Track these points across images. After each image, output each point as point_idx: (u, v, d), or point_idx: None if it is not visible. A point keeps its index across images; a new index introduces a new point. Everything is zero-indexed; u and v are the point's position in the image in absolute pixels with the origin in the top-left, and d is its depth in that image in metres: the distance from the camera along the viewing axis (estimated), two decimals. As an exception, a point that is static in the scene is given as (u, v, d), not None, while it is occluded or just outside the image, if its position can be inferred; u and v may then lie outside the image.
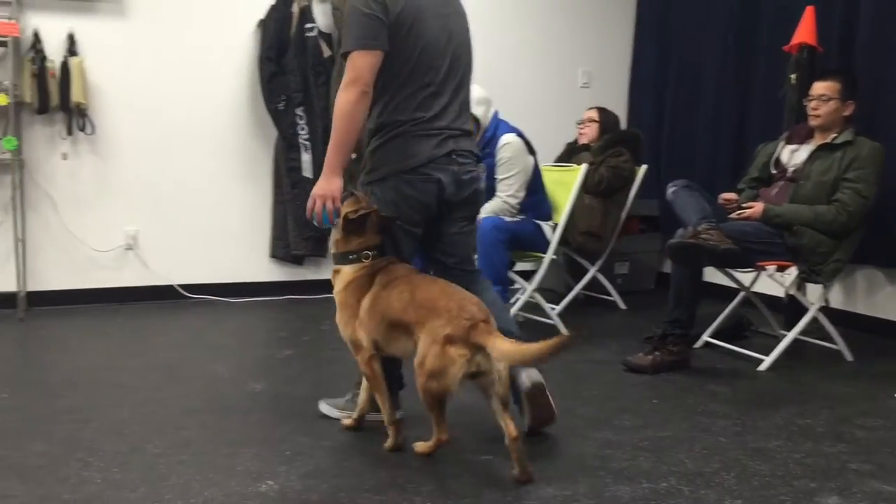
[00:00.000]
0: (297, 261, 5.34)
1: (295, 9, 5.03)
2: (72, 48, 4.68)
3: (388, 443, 2.66)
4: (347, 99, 2.52)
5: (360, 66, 2.52)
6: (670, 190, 3.85)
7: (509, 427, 2.38)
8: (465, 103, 2.77)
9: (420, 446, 2.60)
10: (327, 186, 2.59)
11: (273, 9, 5.03)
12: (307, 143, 5.12)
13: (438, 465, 2.54)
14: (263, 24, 5.04)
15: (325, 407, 3.01)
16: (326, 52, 5.10)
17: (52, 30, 4.66)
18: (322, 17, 5.17)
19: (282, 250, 5.29)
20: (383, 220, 2.66)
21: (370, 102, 2.57)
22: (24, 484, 2.35)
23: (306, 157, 5.12)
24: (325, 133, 5.10)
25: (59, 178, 4.80)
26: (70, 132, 4.75)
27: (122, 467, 2.48)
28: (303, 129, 5.10)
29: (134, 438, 2.74)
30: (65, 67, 4.64)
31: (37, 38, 4.60)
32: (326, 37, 5.14)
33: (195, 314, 4.85)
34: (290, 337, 4.37)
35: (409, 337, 2.47)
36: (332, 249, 2.75)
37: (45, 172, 4.77)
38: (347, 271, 2.66)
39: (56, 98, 4.64)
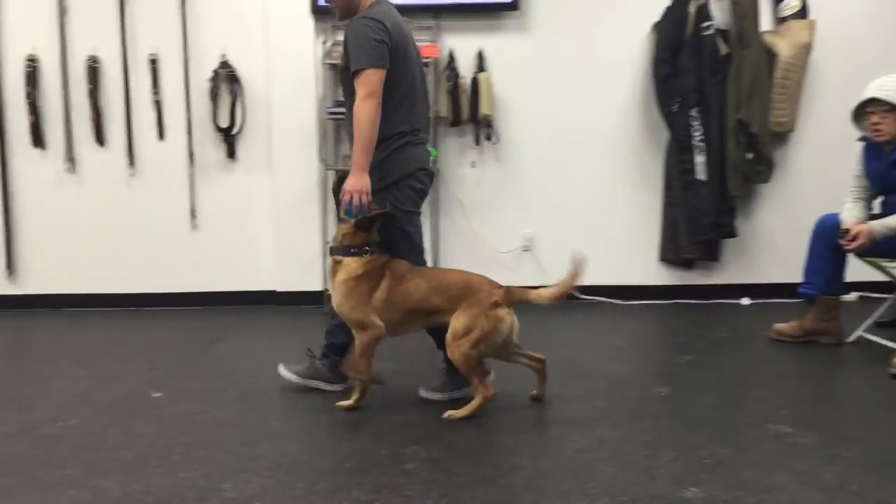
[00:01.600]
0: (686, 265, 5.24)
1: (691, 8, 4.93)
2: (480, 64, 5.08)
3: (350, 402, 3.10)
4: (370, 110, 2.98)
5: (373, 82, 2.99)
6: None
7: (533, 356, 3.18)
8: (428, 117, 3.37)
9: (457, 413, 2.97)
10: (359, 183, 3.01)
11: (668, 10, 4.98)
12: (701, 144, 4.98)
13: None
14: (658, 26, 5.02)
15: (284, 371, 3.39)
16: (724, 50, 4.93)
17: (464, 49, 5.10)
18: (720, 13, 5.01)
19: (671, 254, 5.23)
20: (386, 220, 3.08)
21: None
22: (463, 465, 2.57)
23: (700, 159, 4.99)
24: (721, 134, 4.99)
25: (468, 184, 5.24)
26: (478, 142, 5.16)
27: (546, 458, 2.63)
28: (697, 130, 4.98)
29: (552, 431, 2.88)
30: (474, 82, 5.05)
31: (451, 58, 5.06)
32: (723, 33, 4.97)
33: (586, 314, 4.98)
34: (686, 342, 4.30)
35: (428, 318, 3.05)
36: (334, 242, 3.13)
37: (457, 179, 5.23)
38: (353, 264, 3.04)
39: (466, 111, 5.06)
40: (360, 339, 3.07)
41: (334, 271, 3.10)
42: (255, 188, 5.23)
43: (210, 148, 5.20)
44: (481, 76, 5.04)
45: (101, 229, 5.21)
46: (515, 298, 3.02)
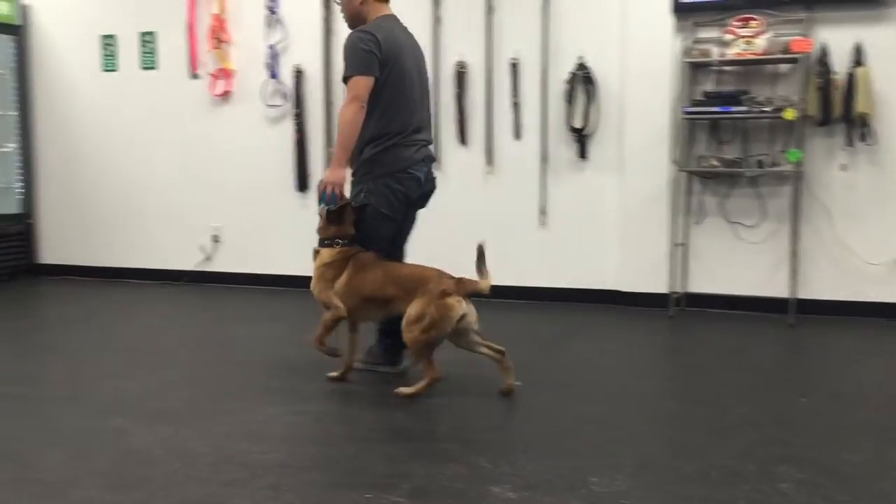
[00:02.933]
0: None
1: None
2: (858, 58, 4.65)
3: (337, 374, 3.52)
4: (351, 112, 3.33)
5: (359, 87, 3.34)
6: None
7: (495, 347, 3.32)
8: (429, 119, 3.69)
9: (406, 390, 3.24)
10: (334, 176, 3.41)
11: None
12: None
13: None
14: None
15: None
16: None
17: (838, 42, 4.69)
18: None
19: None
20: (357, 212, 3.43)
21: (365, 115, 3.36)
22: (847, 493, 2.36)
23: None
24: None
25: (836, 189, 4.82)
26: (850, 143, 4.73)
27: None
28: None
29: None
30: (850, 78, 4.63)
31: (823, 52, 4.69)
32: None
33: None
34: None
35: (384, 306, 3.35)
36: (318, 235, 3.49)
37: (822, 184, 4.84)
38: (325, 253, 3.43)
39: (838, 110, 4.66)
40: (324, 316, 3.43)
41: (314, 259, 3.50)
42: (604, 188, 5.27)
43: (563, 148, 5.34)
44: (859, 71, 4.62)
45: (461, 222, 5.54)
46: (468, 289, 3.21)
